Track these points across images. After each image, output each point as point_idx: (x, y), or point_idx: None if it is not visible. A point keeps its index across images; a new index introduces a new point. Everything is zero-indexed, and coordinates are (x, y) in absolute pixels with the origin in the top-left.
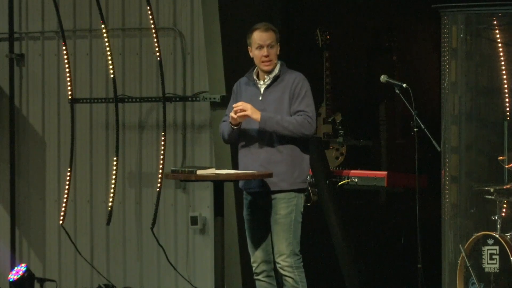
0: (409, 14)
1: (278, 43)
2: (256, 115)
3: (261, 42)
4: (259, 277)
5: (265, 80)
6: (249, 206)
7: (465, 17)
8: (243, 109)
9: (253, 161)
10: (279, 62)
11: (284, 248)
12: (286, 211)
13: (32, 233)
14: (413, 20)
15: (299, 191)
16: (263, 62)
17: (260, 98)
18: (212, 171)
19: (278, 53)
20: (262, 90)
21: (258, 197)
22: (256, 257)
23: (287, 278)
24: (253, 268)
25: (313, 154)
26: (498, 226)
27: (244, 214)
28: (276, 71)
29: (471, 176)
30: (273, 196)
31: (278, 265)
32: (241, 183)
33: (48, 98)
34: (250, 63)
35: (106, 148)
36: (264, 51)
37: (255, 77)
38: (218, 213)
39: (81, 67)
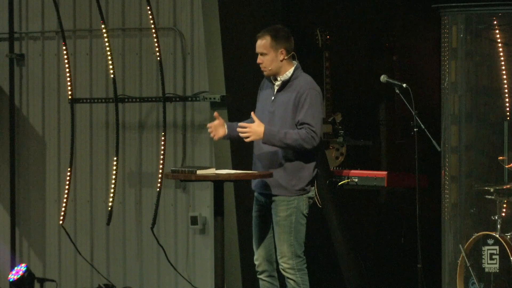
0: (409, 14)
1: (280, 49)
2: (259, 135)
3: (256, 50)
4: (261, 276)
5: (277, 83)
6: (257, 205)
7: (465, 17)
8: (246, 135)
9: (259, 163)
10: (294, 65)
11: (285, 250)
12: (286, 213)
13: (32, 233)
14: (413, 20)
15: (299, 194)
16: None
17: (272, 99)
18: (212, 171)
19: (280, 58)
20: (275, 91)
21: (264, 197)
22: (259, 255)
23: (289, 280)
24: (256, 267)
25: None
26: (498, 226)
27: (253, 211)
28: (289, 75)
29: (471, 176)
30: (273, 198)
31: (280, 267)
32: (252, 183)
33: (48, 98)
34: (250, 63)
35: (106, 148)
36: (258, 59)
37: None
38: (218, 213)
39: (81, 67)
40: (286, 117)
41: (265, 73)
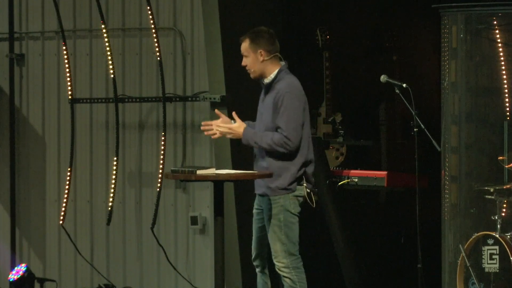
0: (409, 14)
1: (259, 50)
2: (239, 135)
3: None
4: (257, 270)
5: (264, 85)
6: (256, 203)
7: (465, 17)
8: (220, 132)
9: (255, 163)
10: (279, 67)
11: (278, 249)
12: (273, 212)
13: (32, 233)
14: (413, 20)
15: (284, 193)
16: None
17: (263, 101)
18: (212, 171)
19: (260, 59)
20: (264, 93)
21: (259, 196)
22: (253, 251)
23: (285, 279)
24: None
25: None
26: (498, 226)
27: (253, 209)
28: (272, 77)
29: (471, 176)
30: (263, 197)
31: (276, 267)
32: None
33: (48, 98)
34: None
35: (106, 148)
36: (242, 61)
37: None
38: (218, 213)
39: (81, 67)
40: (268, 120)
41: (251, 75)
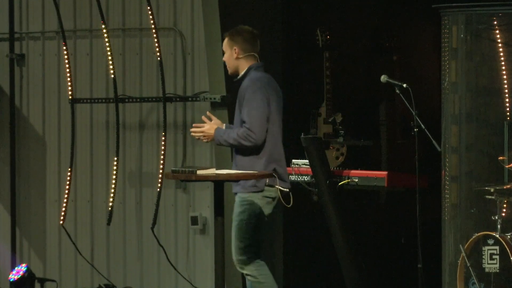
0: (409, 14)
1: (234, 47)
2: (212, 137)
3: None
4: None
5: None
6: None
7: (465, 17)
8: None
9: None
10: (249, 65)
11: (237, 246)
12: (240, 209)
13: (32, 233)
14: (413, 20)
15: (253, 191)
16: None
17: None
18: (212, 171)
19: (234, 56)
20: None
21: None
22: None
23: (247, 276)
24: None
25: (313, 154)
26: (498, 226)
27: None
28: (242, 74)
29: (471, 176)
30: (236, 196)
31: (236, 266)
32: None
33: (48, 98)
34: None
35: (106, 148)
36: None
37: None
38: (218, 213)
39: (81, 67)
40: (237, 117)
41: (229, 71)
